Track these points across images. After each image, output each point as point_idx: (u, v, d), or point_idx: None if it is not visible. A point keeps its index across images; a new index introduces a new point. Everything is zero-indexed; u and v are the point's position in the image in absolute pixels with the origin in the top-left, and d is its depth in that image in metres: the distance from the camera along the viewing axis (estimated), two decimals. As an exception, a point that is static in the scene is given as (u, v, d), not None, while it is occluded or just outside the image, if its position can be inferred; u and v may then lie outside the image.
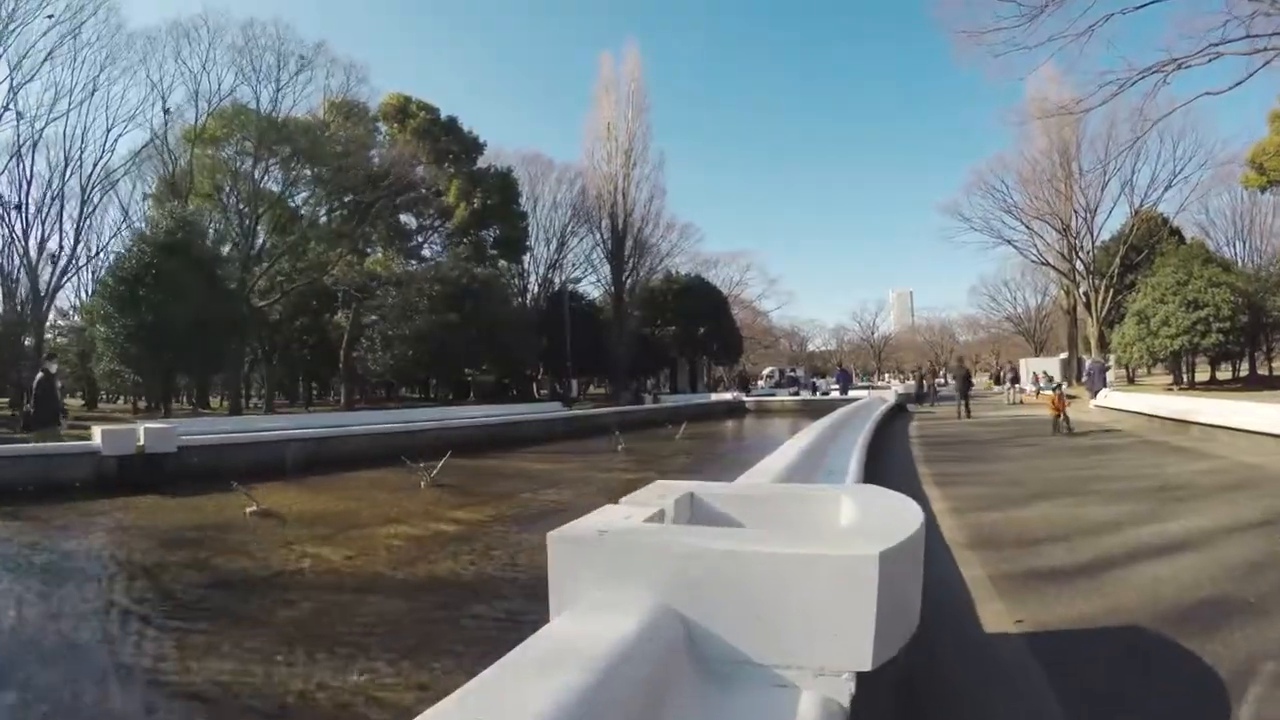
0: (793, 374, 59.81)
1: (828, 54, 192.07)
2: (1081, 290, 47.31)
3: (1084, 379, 29.52)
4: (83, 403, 49.10)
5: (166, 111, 39.15)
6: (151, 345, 26.98)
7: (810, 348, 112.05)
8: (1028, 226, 48.40)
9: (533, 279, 59.11)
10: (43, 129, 36.35)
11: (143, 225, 38.41)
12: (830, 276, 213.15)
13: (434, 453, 11.34)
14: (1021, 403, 32.01)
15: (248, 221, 40.56)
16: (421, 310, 36.29)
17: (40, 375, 12.50)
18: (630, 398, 38.82)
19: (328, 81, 43.27)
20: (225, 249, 41.70)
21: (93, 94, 37.44)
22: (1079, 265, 46.80)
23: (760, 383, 62.21)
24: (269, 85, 40.22)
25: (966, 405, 24.12)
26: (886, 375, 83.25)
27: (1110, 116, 38.26)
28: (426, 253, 52.98)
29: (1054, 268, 49.86)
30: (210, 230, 41.26)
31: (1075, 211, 45.43)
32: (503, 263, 57.80)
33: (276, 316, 47.45)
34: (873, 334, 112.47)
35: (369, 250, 48.59)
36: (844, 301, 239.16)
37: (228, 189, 40.76)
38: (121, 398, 53.49)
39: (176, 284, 27.76)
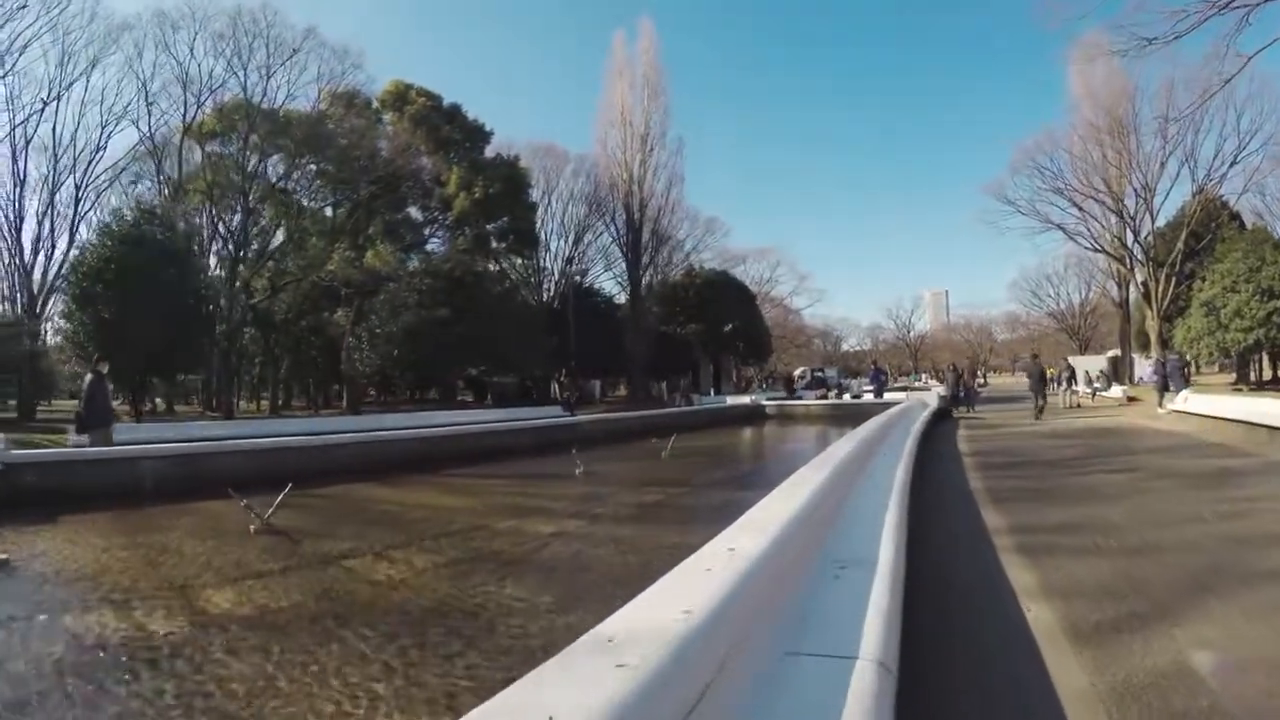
0: (820, 374, 55.55)
1: (859, 45, 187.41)
2: (1140, 280, 43.20)
3: (1153, 378, 25.73)
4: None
5: (150, 104, 37.11)
6: (112, 343, 24.66)
7: (844, 347, 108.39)
8: (1079, 208, 44.22)
9: (550, 275, 56.36)
10: (36, 127, 35.00)
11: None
12: (863, 275, 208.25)
13: (350, 473, 10.17)
14: (1078, 405, 28.28)
15: (239, 216, 38.48)
16: (410, 306, 33.33)
17: (91, 377, 12.16)
18: (681, 399, 35.42)
19: (321, 70, 41.20)
20: (215, 245, 39.77)
21: (83, 86, 35.90)
22: (1136, 251, 42.68)
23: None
24: (259, 75, 38.35)
25: (1042, 406, 21.99)
26: (924, 375, 79.46)
27: (1169, 84, 34.66)
28: (431, 247, 50.81)
29: (1108, 254, 45.62)
30: (203, 226, 39.55)
31: (1133, 190, 41.25)
32: (519, 260, 55.42)
33: (282, 315, 45.39)
34: (908, 332, 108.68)
35: (370, 245, 46.13)
36: (878, 300, 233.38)
37: (224, 183, 38.74)
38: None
39: (139, 279, 25.63)
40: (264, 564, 5.68)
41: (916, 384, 55.86)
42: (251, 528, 6.85)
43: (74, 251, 31.75)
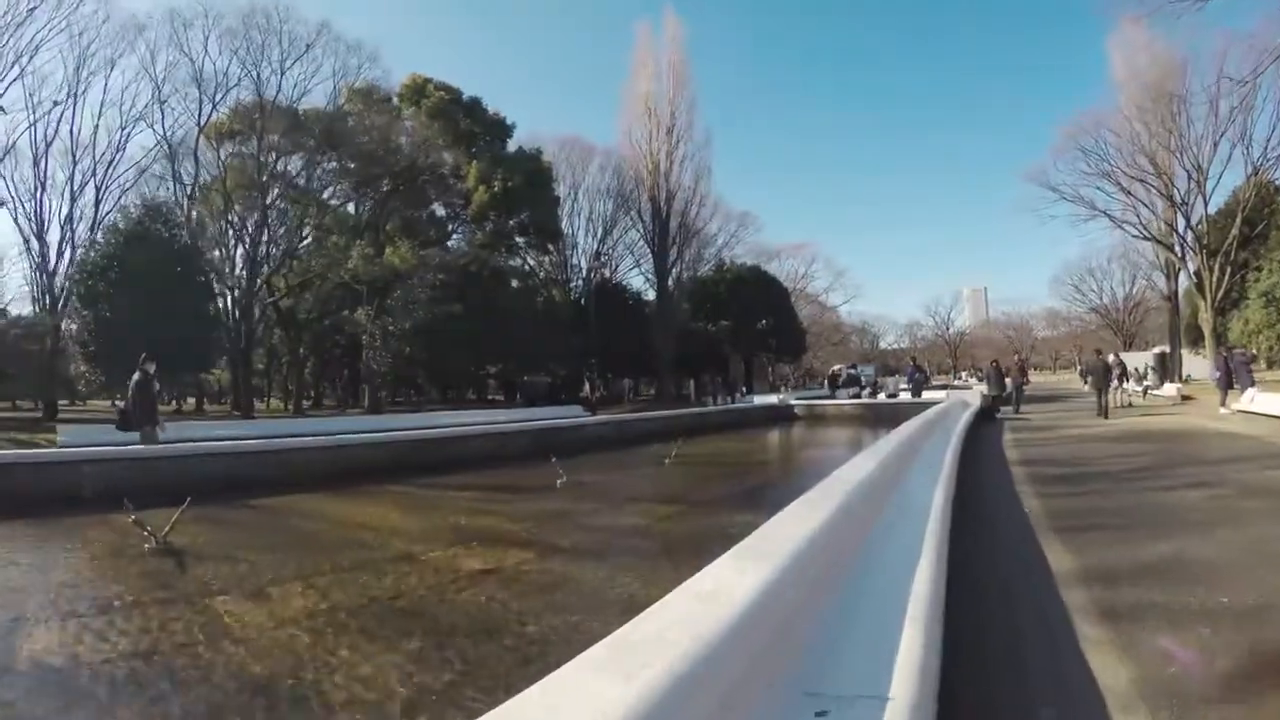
0: (853, 371, 53.21)
1: (895, 32, 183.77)
2: (1192, 269, 40.74)
3: (1215, 375, 23.73)
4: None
5: (162, 103, 36.56)
6: (113, 341, 24.11)
7: (882, 344, 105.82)
8: (1126, 192, 41.83)
9: (579, 272, 55.29)
10: (55, 129, 34.73)
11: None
12: (901, 271, 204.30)
13: (309, 481, 9.60)
14: (1130, 405, 26.26)
15: (257, 215, 37.83)
16: (422, 302, 32.19)
17: (138, 376, 12.00)
18: (721, 398, 33.88)
19: (337, 65, 40.69)
20: (233, 244, 39.19)
21: (100, 88, 35.62)
22: (1188, 238, 40.24)
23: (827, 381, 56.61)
24: (273, 72, 37.92)
25: (1106, 404, 20.56)
26: (964, 373, 76.97)
27: (1221, 58, 32.62)
28: (453, 243, 49.56)
29: (1157, 241, 43.10)
30: (222, 225, 39.02)
31: (1184, 171, 38.77)
32: (547, 258, 54.35)
33: (305, 314, 44.80)
34: (947, 329, 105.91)
35: (389, 242, 45.30)
36: (916, 297, 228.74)
37: (243, 182, 38.13)
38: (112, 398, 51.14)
39: (142, 277, 25.18)
40: (122, 593, 4.89)
41: (956, 382, 53.59)
42: (146, 546, 6.15)
43: (80, 251, 31.51)
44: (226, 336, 37.09)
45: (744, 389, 44.33)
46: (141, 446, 10.29)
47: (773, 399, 28.35)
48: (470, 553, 5.95)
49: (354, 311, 40.68)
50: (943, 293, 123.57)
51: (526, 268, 56.64)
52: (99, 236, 29.93)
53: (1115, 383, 27.80)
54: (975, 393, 24.64)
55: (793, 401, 26.71)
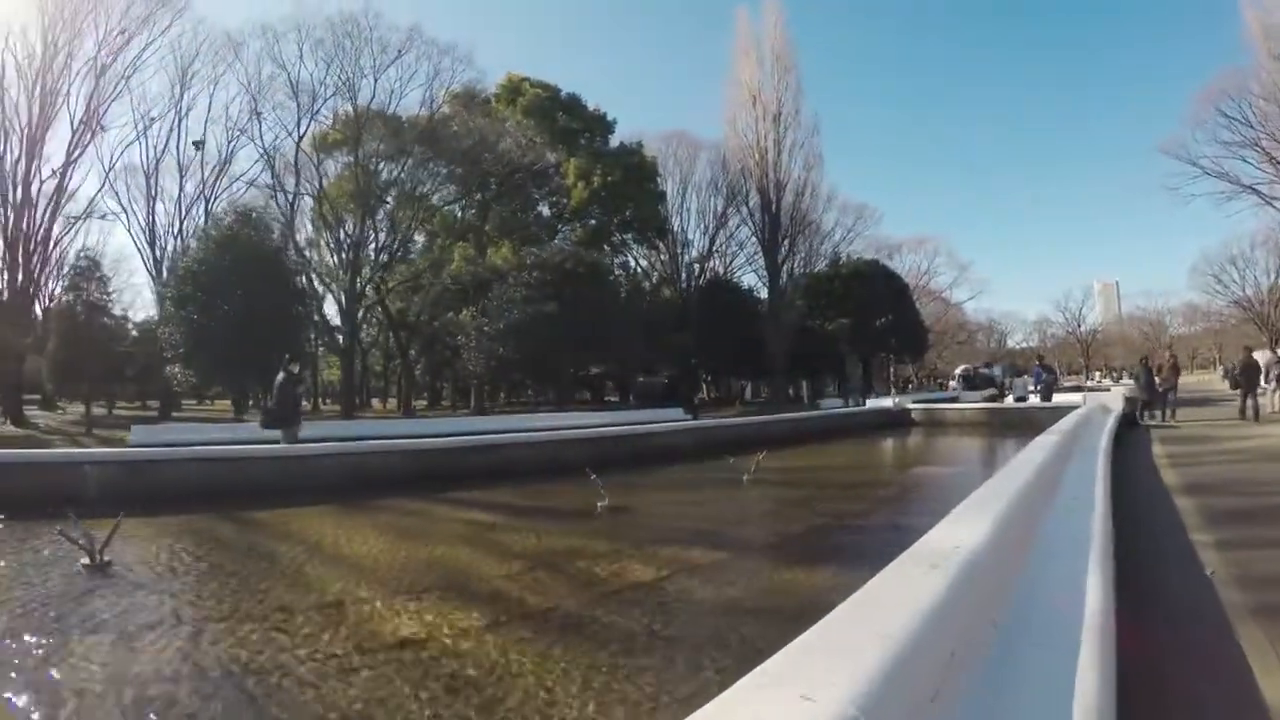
0: (987, 370, 48.89)
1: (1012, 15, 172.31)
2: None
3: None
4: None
5: (258, 114, 38.21)
6: (198, 344, 24.52)
7: (1009, 343, 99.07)
8: (1275, 162, 36.58)
9: (692, 270, 53.97)
10: (164, 146, 36.97)
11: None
12: (1029, 263, 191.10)
13: (326, 490, 8.79)
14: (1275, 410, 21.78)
15: (359, 221, 38.37)
16: (517, 301, 31.40)
17: (282, 375, 12.40)
18: (857, 399, 31.71)
19: (430, 68, 40.66)
20: (335, 250, 39.94)
21: (205, 104, 37.67)
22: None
23: (951, 383, 52.74)
24: (366, 79, 38.55)
25: (1256, 409, 18.19)
26: (1096, 374, 70.63)
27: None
28: (558, 243, 49.04)
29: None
30: (324, 231, 40.01)
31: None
32: (660, 256, 53.38)
33: (414, 317, 45.45)
34: (1078, 326, 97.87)
35: (491, 243, 45.29)
36: (1045, 291, 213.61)
37: (349, 190, 38.84)
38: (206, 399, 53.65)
39: (230, 281, 25.68)
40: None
41: (1089, 383, 48.95)
42: (82, 563, 5.53)
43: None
44: (330, 338, 37.89)
45: (873, 390, 41.42)
46: (139, 449, 9.58)
47: (886, 402, 25.70)
48: (414, 607, 4.49)
49: (459, 313, 40.76)
50: (1072, 287, 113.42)
51: (638, 267, 55.76)
52: (191, 243, 30.83)
53: (1274, 384, 23.29)
54: (1114, 395, 21.55)
55: (909, 405, 24.04)
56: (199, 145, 37.43)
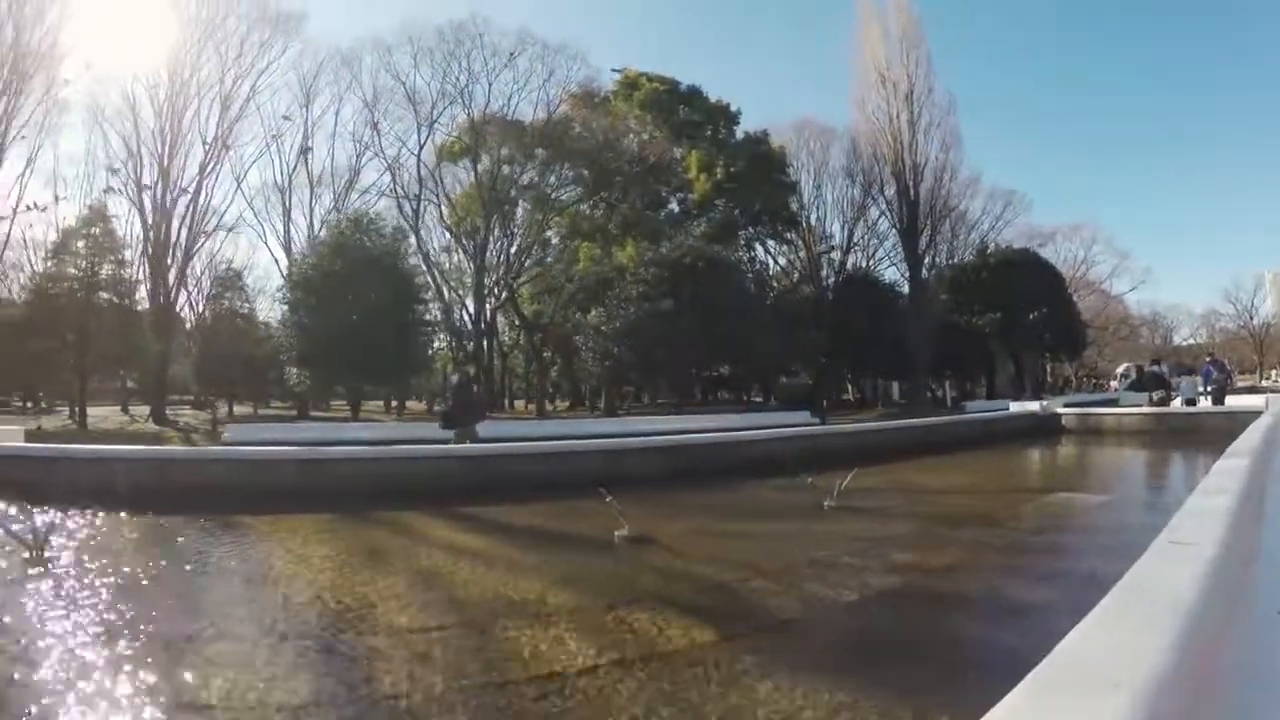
0: (1157, 369, 43.56)
1: None
2: None
3: None
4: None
5: (376, 126, 39.79)
6: (311, 347, 25.19)
7: (1175, 339, 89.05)
8: None
9: (830, 264, 51.54)
10: (295, 164, 39.30)
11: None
12: (1196, 249, 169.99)
13: (350, 495, 8.21)
14: None
15: (489, 226, 38.94)
16: (633, 299, 30.48)
17: (458, 377, 13.32)
18: (1031, 396, 29.12)
19: (544, 69, 40.82)
20: (462, 255, 40.76)
21: (332, 120, 39.73)
22: None
23: (1113, 384, 47.88)
24: (480, 84, 39.40)
25: None
26: (1272, 372, 62.13)
27: None
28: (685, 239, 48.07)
29: None
30: (450, 237, 40.96)
31: None
32: (792, 252, 51.57)
33: (547, 318, 45.80)
34: (1251, 319, 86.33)
35: (616, 242, 44.77)
36: (1214, 281, 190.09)
37: (484, 197, 39.53)
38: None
39: (343, 287, 26.30)
40: None
41: (1265, 383, 42.98)
42: (24, 556, 5.46)
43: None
44: (460, 342, 38.63)
45: (1026, 391, 37.95)
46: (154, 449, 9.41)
47: (1033, 406, 22.42)
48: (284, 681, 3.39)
49: (587, 313, 40.49)
50: (1242, 275, 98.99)
51: (775, 264, 53.81)
52: (308, 250, 32.08)
53: None
54: None
55: (1059, 410, 20.88)
56: (306, 151, 39.27)
